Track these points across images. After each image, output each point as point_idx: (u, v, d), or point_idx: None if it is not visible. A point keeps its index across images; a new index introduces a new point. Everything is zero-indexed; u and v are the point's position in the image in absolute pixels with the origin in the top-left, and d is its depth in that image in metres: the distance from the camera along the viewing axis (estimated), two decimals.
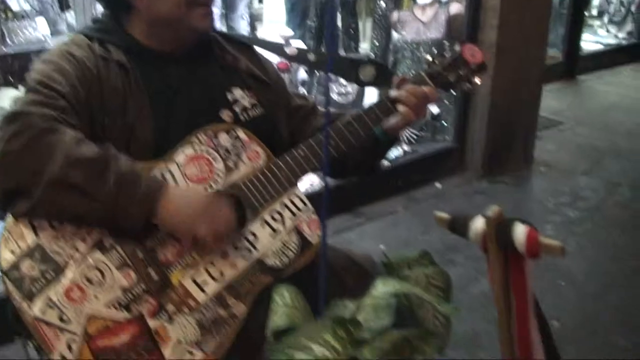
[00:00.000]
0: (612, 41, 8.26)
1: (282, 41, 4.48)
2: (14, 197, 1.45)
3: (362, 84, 1.93)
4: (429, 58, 1.84)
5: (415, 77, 1.79)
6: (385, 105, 1.74)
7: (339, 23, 5.51)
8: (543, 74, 4.91)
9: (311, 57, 1.93)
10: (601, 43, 8.11)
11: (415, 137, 4.71)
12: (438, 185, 4.52)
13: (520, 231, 1.39)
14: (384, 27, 5.07)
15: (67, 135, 1.45)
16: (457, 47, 1.83)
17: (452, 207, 4.17)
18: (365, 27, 5.59)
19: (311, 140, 1.67)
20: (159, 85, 1.68)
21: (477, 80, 1.83)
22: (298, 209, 1.65)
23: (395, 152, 4.52)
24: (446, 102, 4.78)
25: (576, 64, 7.21)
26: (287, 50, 1.95)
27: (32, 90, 1.54)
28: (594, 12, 8.67)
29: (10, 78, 4.21)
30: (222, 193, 1.59)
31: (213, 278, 1.54)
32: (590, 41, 7.89)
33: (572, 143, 5.50)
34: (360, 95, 4.85)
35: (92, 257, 1.47)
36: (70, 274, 1.45)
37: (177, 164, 1.59)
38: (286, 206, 1.64)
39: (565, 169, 4.96)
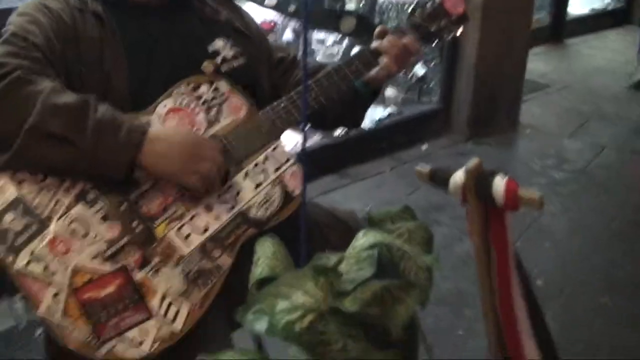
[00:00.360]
0: (598, 5, 8.23)
1: None
2: None
3: (343, 35, 1.92)
4: (411, 9, 1.83)
5: (396, 29, 1.78)
6: (366, 57, 1.73)
7: None
8: (529, 37, 4.91)
9: (291, 7, 1.92)
10: (588, 7, 8.09)
11: (401, 98, 4.71)
12: (424, 146, 4.53)
13: (499, 183, 1.40)
14: None
15: (44, 85, 1.45)
16: None
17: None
18: None
19: (292, 93, 1.67)
20: (136, 35, 1.66)
21: (458, 31, 1.82)
22: (281, 161, 1.65)
23: (380, 114, 4.52)
24: (432, 63, 4.77)
25: (563, 28, 7.21)
26: (266, 0, 1.93)
27: (6, 42, 1.53)
28: None
29: None
30: (205, 139, 1.58)
31: (197, 230, 1.55)
32: (577, 5, 7.86)
33: (558, 106, 5.51)
34: (349, 52, 4.83)
35: (75, 209, 1.47)
36: (53, 227, 1.45)
37: (158, 116, 1.58)
38: (269, 159, 1.64)
39: (551, 131, 4.98)
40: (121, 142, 1.44)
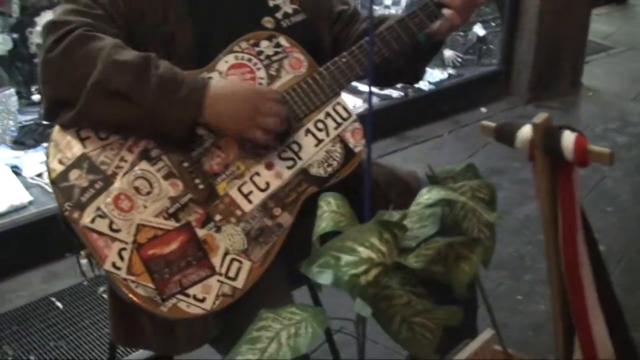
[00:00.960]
0: None
1: None
2: (59, 107, 1.46)
3: None
4: None
5: None
6: (430, 9, 1.68)
7: None
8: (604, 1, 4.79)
9: None
10: None
11: (460, 60, 4.64)
12: (483, 109, 4.47)
13: (568, 138, 1.36)
14: None
15: (107, 42, 1.45)
16: None
17: None
18: None
19: (354, 47, 1.64)
20: None
21: None
22: (342, 118, 1.63)
23: (440, 76, 4.46)
24: (493, 24, 4.68)
25: None
26: None
27: (69, 0, 1.54)
28: None
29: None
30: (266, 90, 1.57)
31: (258, 188, 1.54)
32: None
33: (622, 68, 5.37)
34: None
35: (139, 166, 1.48)
36: (118, 184, 1.46)
37: (219, 72, 1.57)
38: (330, 115, 1.62)
39: (614, 94, 4.86)
40: (183, 98, 1.44)
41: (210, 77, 1.54)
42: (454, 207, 1.43)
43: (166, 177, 1.49)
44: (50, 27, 1.47)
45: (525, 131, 1.42)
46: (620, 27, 6.29)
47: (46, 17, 4.14)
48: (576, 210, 1.44)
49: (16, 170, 3.11)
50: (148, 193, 1.47)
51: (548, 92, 4.60)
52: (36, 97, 3.57)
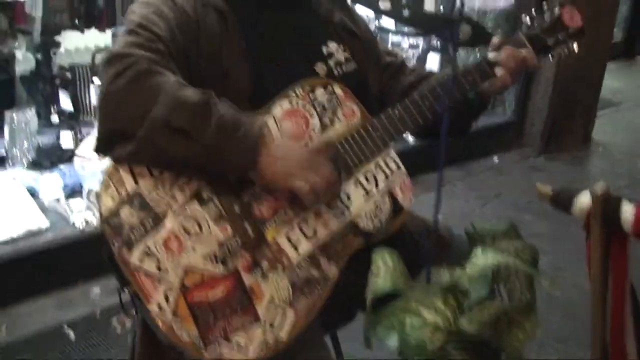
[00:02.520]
0: None
1: None
2: (115, 140, 1.45)
3: (458, 44, 1.88)
4: (527, 20, 1.78)
5: (514, 40, 1.73)
6: (484, 68, 1.69)
7: None
8: (608, 53, 4.82)
9: (405, 12, 1.89)
10: None
11: None
12: (495, 158, 4.47)
13: (628, 209, 1.36)
14: None
15: (169, 78, 1.44)
16: (556, 10, 1.76)
17: (510, 183, 4.14)
18: None
19: (407, 100, 1.64)
20: (256, 32, 1.66)
21: (574, 46, 1.77)
22: (391, 170, 1.63)
23: None
24: None
25: (636, 44, 7.07)
26: (381, 4, 1.91)
27: (132, 32, 1.53)
28: None
29: (76, 21, 4.21)
30: (320, 149, 1.56)
31: (306, 237, 1.53)
32: None
33: (631, 124, 5.41)
34: (423, 57, 4.79)
35: (190, 207, 1.46)
36: (168, 224, 1.44)
37: (274, 118, 1.57)
38: (380, 167, 1.62)
39: (623, 150, 4.89)
40: (241, 141, 1.43)
41: (266, 123, 1.54)
42: (506, 268, 1.42)
43: (216, 219, 1.47)
44: (112, 58, 1.46)
45: (583, 199, 1.42)
46: (629, 83, 6.34)
47: (68, 36, 4.15)
48: (627, 283, 1.44)
49: (33, 193, 3.08)
50: (197, 235, 1.46)
51: (559, 145, 4.62)
52: (55, 119, 3.56)
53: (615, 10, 4.73)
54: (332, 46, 1.74)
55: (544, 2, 1.77)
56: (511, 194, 3.99)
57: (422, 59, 4.79)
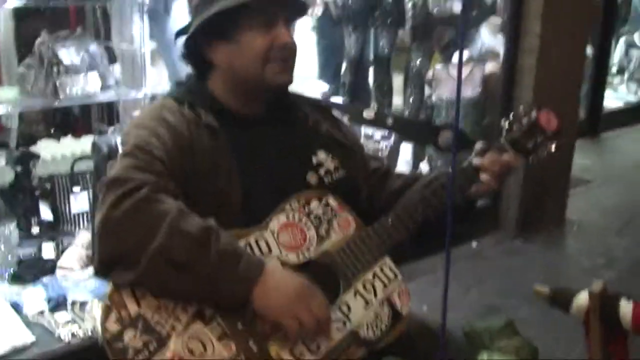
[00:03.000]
0: (633, 99, 8.29)
1: (319, 96, 4.53)
2: (115, 265, 1.46)
3: (440, 149, 1.94)
4: (506, 125, 1.85)
5: (496, 145, 1.79)
6: (469, 173, 1.75)
7: (371, 79, 5.56)
8: (575, 133, 4.94)
9: (389, 121, 1.96)
10: (622, 100, 8.15)
11: None
12: (474, 244, 4.51)
13: (626, 307, 1.39)
14: (417, 84, 5.11)
15: (171, 205, 1.47)
16: (533, 114, 1.83)
17: (490, 268, 4.17)
18: (398, 83, 5.64)
19: (399, 208, 1.69)
20: (247, 148, 1.70)
21: (552, 147, 1.83)
22: (388, 279, 1.66)
23: None
24: None
25: (599, 122, 7.25)
26: (365, 113, 1.97)
27: (129, 154, 1.56)
28: (614, 69, 8.72)
29: (52, 130, 4.26)
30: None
31: (310, 350, 1.54)
32: (611, 98, 7.92)
33: (602, 201, 5.49)
34: (393, 153, 4.87)
35: (193, 327, 1.48)
36: (172, 345, 1.45)
37: (272, 232, 1.60)
38: (377, 276, 1.65)
39: (598, 228, 4.95)
40: (240, 275, 1.47)
41: (264, 239, 1.58)
42: None
43: (220, 338, 1.48)
44: (111, 183, 1.49)
45: (582, 298, 1.45)
46: (595, 160, 6.47)
47: (45, 146, 4.17)
48: None
49: (16, 308, 3.04)
50: (201, 355, 1.46)
51: (535, 226, 4.67)
52: (35, 230, 3.54)
53: (579, 90, 4.87)
54: (322, 155, 1.78)
55: (521, 106, 1.84)
56: (493, 279, 4.01)
57: (394, 150, 4.88)
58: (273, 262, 1.57)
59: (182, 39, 1.77)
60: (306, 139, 1.81)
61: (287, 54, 1.72)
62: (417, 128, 2.00)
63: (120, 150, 1.64)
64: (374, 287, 1.64)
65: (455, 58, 4.78)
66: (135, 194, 1.46)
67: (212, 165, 1.63)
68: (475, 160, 1.76)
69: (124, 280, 1.46)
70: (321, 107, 1.93)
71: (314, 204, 1.65)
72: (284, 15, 1.72)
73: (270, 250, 1.58)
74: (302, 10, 1.85)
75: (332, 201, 1.67)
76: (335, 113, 1.96)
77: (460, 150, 2.05)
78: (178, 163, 1.59)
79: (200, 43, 1.73)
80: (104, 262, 1.49)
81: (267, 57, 1.69)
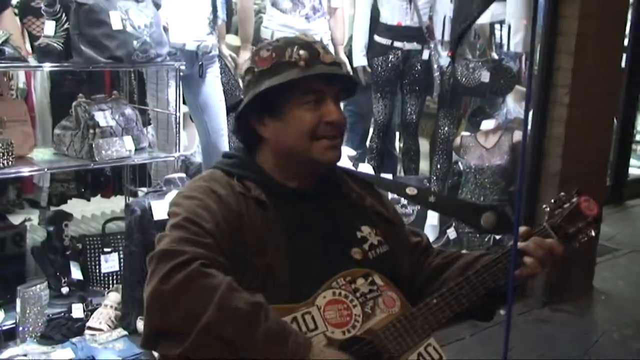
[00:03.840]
0: None
1: (349, 162, 4.56)
2: (163, 337, 1.47)
3: (482, 230, 1.95)
4: (548, 208, 1.86)
5: (540, 230, 1.82)
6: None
7: (399, 144, 5.60)
8: (603, 202, 4.93)
9: (431, 198, 1.97)
10: None
11: None
12: (502, 312, 4.47)
13: None
14: (445, 150, 5.13)
15: (220, 280, 1.48)
16: (574, 199, 1.85)
17: (519, 336, 4.13)
18: (425, 149, 5.67)
19: (445, 289, 1.70)
20: (294, 222, 1.72)
21: (592, 233, 1.85)
22: (433, 359, 1.65)
23: None
24: None
25: (624, 189, 7.23)
26: (408, 190, 1.98)
27: (179, 227, 1.58)
28: (638, 137, 8.72)
29: (83, 189, 4.30)
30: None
31: None
32: (636, 166, 7.91)
33: (629, 270, 5.45)
34: (421, 218, 4.87)
35: None
36: None
37: (318, 308, 1.61)
38: (422, 356, 1.65)
39: (626, 298, 4.91)
40: (287, 355, 1.47)
41: (311, 315, 1.58)
42: None
43: None
44: (162, 255, 1.51)
45: None
46: (622, 229, 6.43)
47: (75, 206, 4.22)
48: None
49: None
50: None
51: (562, 295, 4.64)
52: (65, 290, 3.56)
53: (607, 159, 4.89)
54: (365, 230, 1.80)
55: (562, 193, 1.87)
56: (522, 347, 3.98)
57: (421, 215, 4.89)
58: (319, 340, 1.57)
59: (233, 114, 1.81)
60: (350, 214, 1.83)
61: (336, 131, 1.76)
62: (459, 208, 2.00)
63: (168, 221, 1.66)
64: None
65: (484, 126, 4.81)
66: (185, 268, 1.47)
67: (260, 239, 1.65)
68: (520, 243, 1.77)
69: (172, 353, 1.46)
70: (364, 181, 1.95)
71: (360, 281, 1.66)
72: (333, 92, 1.75)
73: (316, 326, 1.59)
74: (352, 89, 1.88)
75: (377, 279, 1.68)
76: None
77: (502, 233, 2.07)
78: (227, 236, 1.60)
79: (250, 118, 1.77)
80: (152, 334, 1.50)
81: (314, 134, 1.72)
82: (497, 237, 4.70)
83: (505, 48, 5.18)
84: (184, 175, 3.64)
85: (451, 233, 4.75)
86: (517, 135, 4.73)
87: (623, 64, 6.01)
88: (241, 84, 1.87)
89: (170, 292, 1.46)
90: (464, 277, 1.72)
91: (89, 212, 4.52)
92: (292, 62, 1.72)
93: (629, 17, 5.97)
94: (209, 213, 1.61)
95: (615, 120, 6.47)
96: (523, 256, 1.75)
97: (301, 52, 1.72)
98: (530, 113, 4.52)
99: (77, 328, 3.37)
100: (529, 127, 4.61)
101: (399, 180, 2.09)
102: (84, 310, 3.48)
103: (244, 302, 1.47)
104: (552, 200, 1.86)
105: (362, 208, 1.85)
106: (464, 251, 2.00)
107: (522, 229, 1.81)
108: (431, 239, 4.82)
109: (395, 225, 1.91)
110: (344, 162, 4.30)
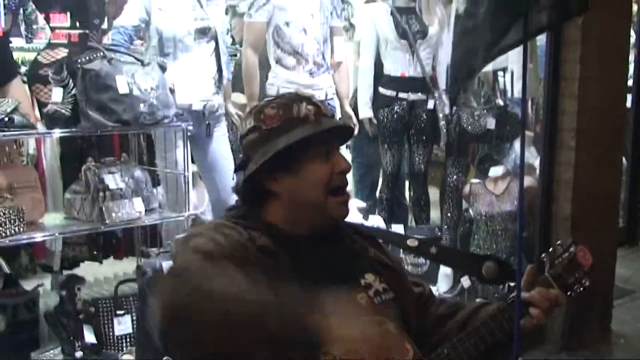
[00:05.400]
0: None
1: (359, 214, 4.58)
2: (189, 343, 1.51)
3: (483, 281, 1.97)
4: (546, 258, 1.88)
5: (543, 280, 1.84)
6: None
7: (408, 193, 5.61)
8: (616, 244, 4.90)
9: (433, 249, 1.98)
10: None
11: None
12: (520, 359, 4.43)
13: None
14: (454, 198, 5.14)
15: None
16: (572, 249, 1.87)
17: None
18: (435, 198, 5.67)
19: (455, 340, 1.71)
20: (302, 270, 1.73)
21: (587, 282, 1.86)
22: None
23: None
24: None
25: (637, 230, 7.18)
26: (409, 242, 2.00)
27: (187, 253, 1.63)
28: None
29: (95, 252, 4.32)
30: None
31: None
32: None
33: None
34: (434, 267, 4.85)
35: None
36: None
37: (333, 357, 1.60)
38: None
39: None
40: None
41: None
42: None
43: None
44: (170, 272, 1.62)
45: None
46: (637, 270, 6.37)
47: (87, 267, 4.24)
48: None
49: None
50: None
51: (580, 340, 4.59)
52: (79, 354, 3.55)
53: (617, 201, 4.87)
54: (369, 277, 1.82)
55: (559, 241, 1.89)
56: None
57: (434, 264, 4.87)
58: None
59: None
60: (355, 262, 1.85)
61: (346, 181, 1.82)
62: (459, 258, 2.03)
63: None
64: None
65: (492, 172, 4.82)
66: (194, 277, 1.53)
67: (270, 284, 1.66)
68: (525, 294, 1.78)
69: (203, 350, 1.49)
70: (365, 232, 1.97)
71: None
72: (337, 143, 1.80)
73: None
74: (350, 136, 1.96)
75: (392, 328, 1.68)
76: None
77: (503, 283, 2.08)
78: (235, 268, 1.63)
79: (261, 176, 1.79)
80: (176, 345, 1.55)
81: (329, 185, 1.77)
82: (512, 284, 4.67)
83: (509, 94, 5.22)
84: None
85: (465, 282, 4.72)
86: (527, 181, 4.72)
87: (629, 104, 6.04)
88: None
89: (185, 300, 1.50)
90: (473, 328, 1.73)
91: (102, 274, 4.53)
92: (301, 118, 1.76)
93: (632, 57, 6.02)
94: (220, 247, 1.66)
95: (625, 160, 6.48)
96: (529, 307, 1.76)
97: (310, 107, 1.77)
98: (536, 156, 4.54)
99: None
100: (537, 172, 4.63)
101: (399, 232, 2.12)
102: None
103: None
104: (550, 250, 1.90)
105: (365, 257, 1.87)
106: (478, 300, 2.00)
107: (526, 277, 1.83)
108: (445, 288, 4.85)
109: (399, 274, 1.92)
110: (354, 214, 4.33)
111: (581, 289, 1.87)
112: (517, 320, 1.68)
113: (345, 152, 5.87)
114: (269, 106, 1.80)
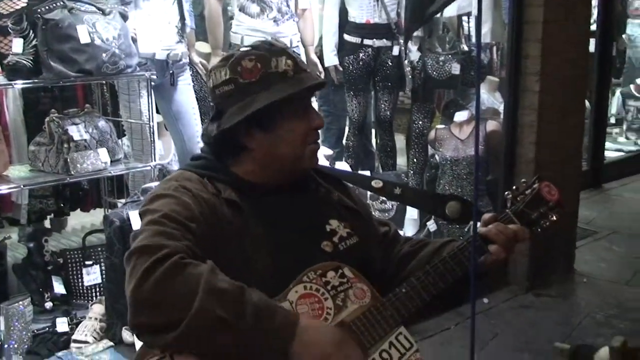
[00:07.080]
0: (632, 148, 8.35)
1: (327, 161, 4.59)
2: (154, 331, 1.49)
3: (448, 220, 1.99)
4: (509, 196, 1.90)
5: (503, 217, 1.85)
6: (477, 244, 1.79)
7: (375, 140, 5.63)
8: (579, 186, 4.98)
9: (397, 190, 2.00)
10: (622, 150, 8.21)
11: None
12: (485, 300, 4.51)
13: None
14: (420, 144, 5.18)
15: (202, 268, 1.51)
16: (535, 185, 1.89)
17: (503, 323, 4.17)
18: (401, 144, 5.70)
19: (413, 278, 1.73)
20: (268, 220, 1.74)
21: (554, 217, 1.88)
22: (404, 347, 1.69)
23: None
24: None
25: (601, 173, 7.29)
26: (373, 183, 2.02)
27: (157, 222, 1.60)
28: (612, 120, 8.80)
29: (62, 204, 4.30)
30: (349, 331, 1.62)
31: None
32: (611, 149, 7.97)
33: (609, 252, 5.50)
34: (400, 212, 4.91)
35: None
36: None
37: (290, 302, 1.63)
38: (393, 345, 1.68)
39: (607, 279, 4.95)
40: (277, 327, 1.50)
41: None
42: None
43: None
44: (141, 251, 1.52)
45: (603, 354, 1.47)
46: (600, 212, 6.49)
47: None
48: None
49: None
50: None
51: (545, 280, 4.69)
52: (49, 305, 3.57)
53: (581, 144, 4.92)
54: (334, 223, 1.83)
55: (523, 180, 1.91)
56: (506, 334, 4.01)
57: (401, 208, 4.92)
58: (306, 316, 1.61)
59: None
60: (318, 208, 1.86)
61: (319, 134, 1.84)
62: (423, 198, 2.04)
63: (141, 221, 1.67)
64: (390, 355, 1.67)
65: (457, 117, 4.85)
66: (165, 262, 1.48)
67: (238, 238, 1.67)
68: (482, 229, 1.80)
69: (165, 342, 1.48)
70: (330, 175, 1.98)
71: (331, 274, 1.68)
72: (311, 96, 1.80)
73: None
74: (322, 88, 1.93)
75: (347, 272, 1.70)
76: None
77: (466, 222, 2.11)
78: (206, 230, 1.63)
79: (235, 131, 1.77)
80: (141, 331, 1.52)
81: (306, 142, 1.79)
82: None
83: (474, 39, 5.23)
84: None
85: (431, 225, 4.78)
86: (491, 125, 4.76)
87: (592, 48, 6.07)
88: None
89: (153, 289, 1.46)
90: (432, 266, 1.75)
91: (69, 226, 4.52)
92: (280, 73, 1.75)
93: (595, 1, 6.04)
94: (184, 209, 1.63)
95: (588, 104, 6.54)
96: (487, 243, 1.78)
97: (289, 61, 1.76)
98: (501, 101, 4.57)
99: (62, 342, 3.39)
100: (501, 116, 4.67)
101: (364, 174, 2.13)
102: (69, 324, 3.49)
103: (228, 283, 1.50)
104: (514, 187, 1.91)
105: (329, 202, 1.88)
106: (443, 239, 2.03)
107: (489, 215, 1.85)
108: (412, 232, 4.91)
109: (363, 216, 1.94)
110: (321, 161, 4.35)
111: (547, 223, 1.87)
112: (472, 256, 1.71)
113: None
114: (246, 58, 1.76)
